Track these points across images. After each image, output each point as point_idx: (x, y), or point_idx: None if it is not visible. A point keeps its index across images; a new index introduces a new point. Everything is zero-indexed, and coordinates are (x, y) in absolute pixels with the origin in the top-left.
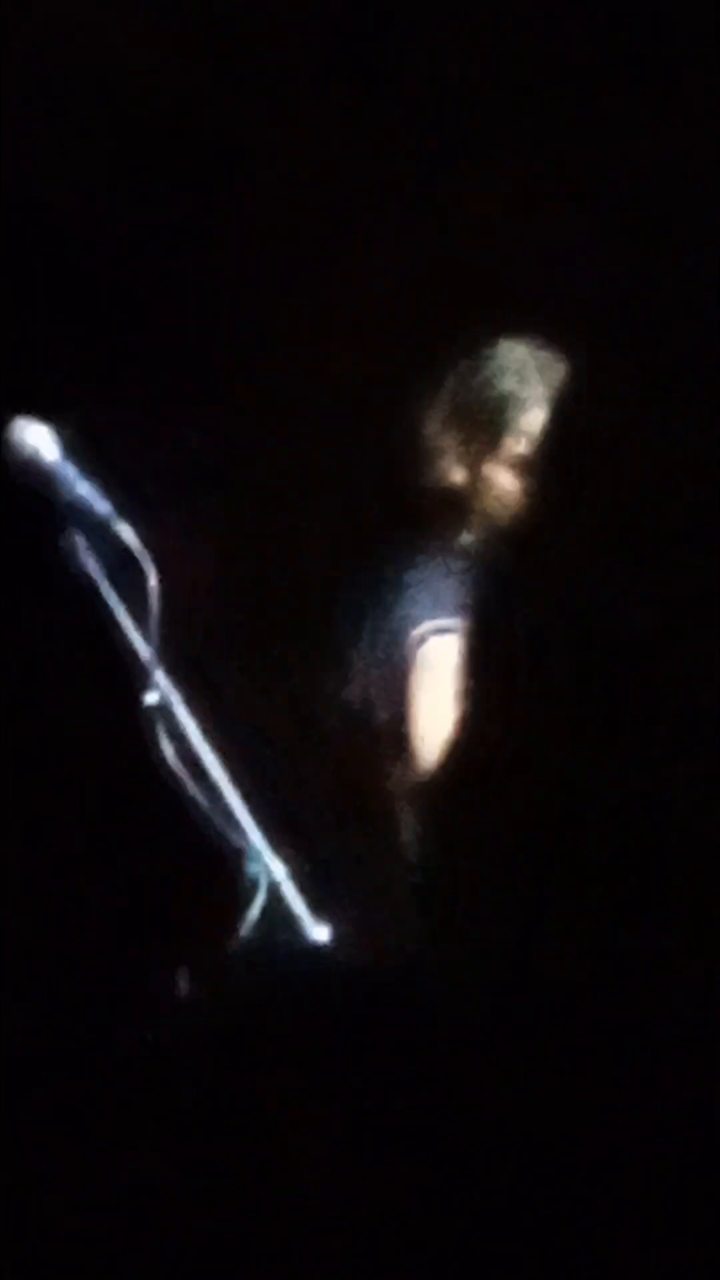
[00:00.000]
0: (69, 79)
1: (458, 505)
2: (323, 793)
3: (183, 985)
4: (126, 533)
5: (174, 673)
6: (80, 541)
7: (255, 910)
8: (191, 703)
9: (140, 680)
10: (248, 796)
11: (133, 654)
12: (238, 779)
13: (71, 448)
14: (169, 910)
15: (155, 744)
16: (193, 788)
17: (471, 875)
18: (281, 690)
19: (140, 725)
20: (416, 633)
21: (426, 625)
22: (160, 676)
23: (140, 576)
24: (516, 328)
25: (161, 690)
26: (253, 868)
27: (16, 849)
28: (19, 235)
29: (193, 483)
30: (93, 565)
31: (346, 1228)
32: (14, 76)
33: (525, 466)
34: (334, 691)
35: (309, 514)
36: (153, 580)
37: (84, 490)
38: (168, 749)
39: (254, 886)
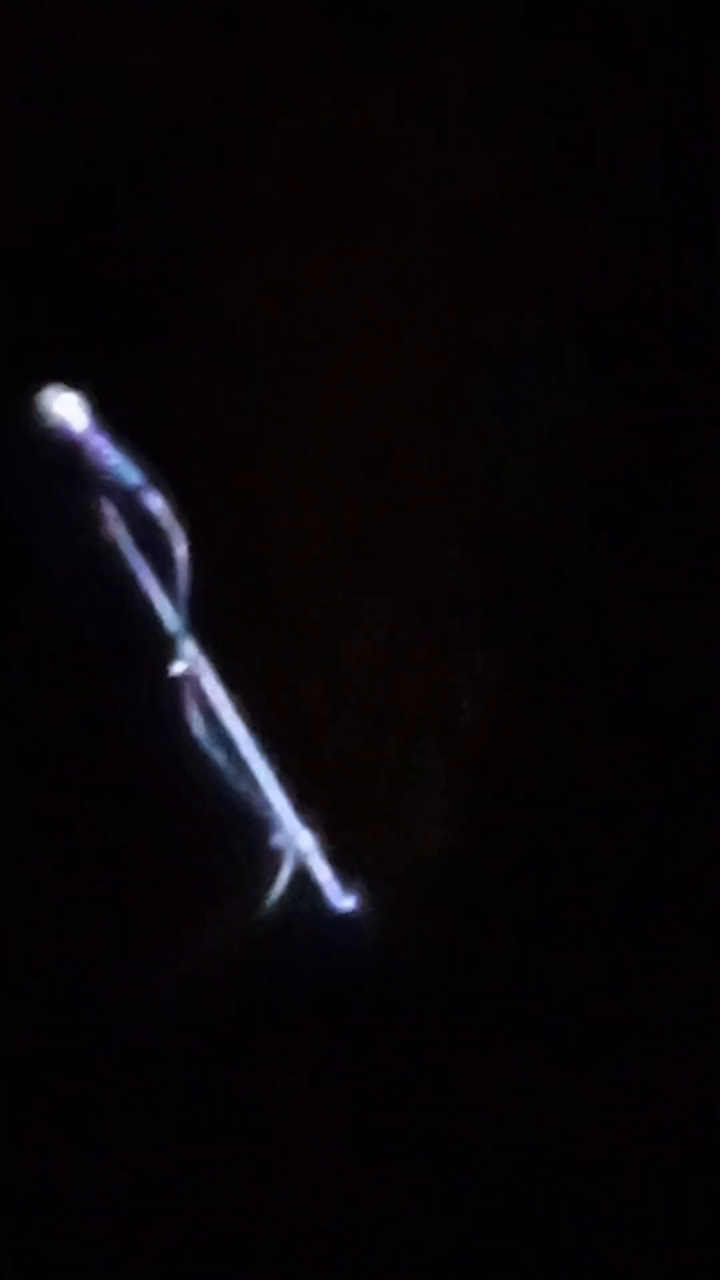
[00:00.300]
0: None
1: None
2: (350, 763)
3: (209, 955)
4: (155, 502)
5: (201, 642)
6: (109, 511)
7: (281, 881)
8: (219, 673)
9: (167, 650)
10: (275, 767)
11: (160, 624)
12: (265, 749)
13: (100, 417)
14: (195, 880)
15: (182, 714)
16: (219, 758)
17: (495, 847)
18: (310, 660)
19: (167, 695)
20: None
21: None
22: (188, 646)
23: (168, 546)
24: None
25: (189, 660)
26: (279, 838)
27: (43, 818)
28: (48, 207)
29: (221, 451)
30: (121, 534)
31: (362, 1194)
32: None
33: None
34: (362, 661)
35: (338, 483)
36: (181, 549)
37: (113, 459)
38: (195, 719)
39: (280, 857)
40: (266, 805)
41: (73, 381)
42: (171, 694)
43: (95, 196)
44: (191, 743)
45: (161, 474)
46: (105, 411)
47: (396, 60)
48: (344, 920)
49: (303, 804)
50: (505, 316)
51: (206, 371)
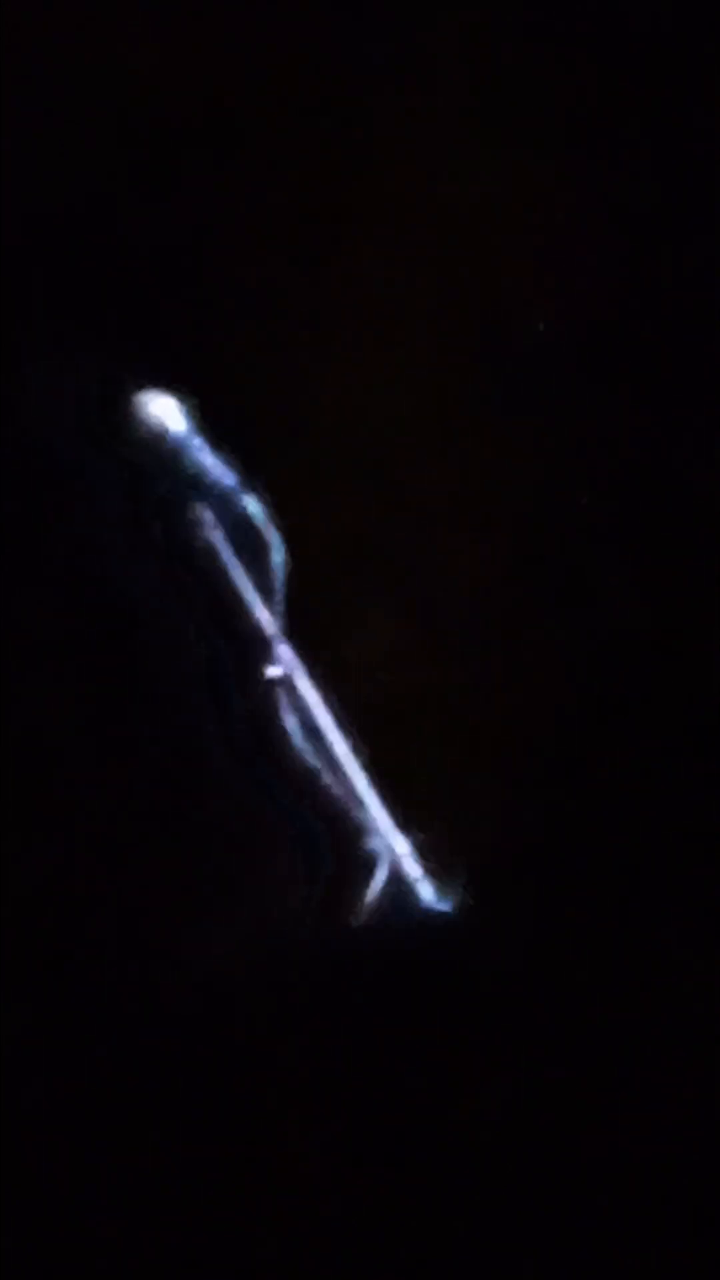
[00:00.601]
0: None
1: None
2: (445, 766)
3: (307, 957)
4: (252, 505)
5: (297, 645)
6: (206, 514)
7: (377, 883)
8: (314, 675)
9: (264, 652)
10: (370, 770)
11: (257, 626)
12: (359, 751)
13: (198, 420)
14: (291, 882)
15: (278, 717)
16: (315, 761)
17: (591, 850)
18: (405, 661)
19: (263, 698)
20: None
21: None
22: (284, 649)
23: (265, 549)
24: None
25: (285, 663)
26: (374, 841)
27: (142, 819)
28: (147, 218)
29: (319, 457)
30: (218, 537)
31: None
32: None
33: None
34: (461, 663)
35: (431, 488)
36: (278, 552)
37: (210, 463)
38: (290, 721)
39: (375, 859)
40: (362, 808)
41: (171, 385)
42: (267, 696)
43: (201, 206)
44: (287, 745)
45: (258, 477)
46: (203, 415)
47: (397, 60)
48: (438, 920)
49: (397, 806)
50: (514, 313)
51: (304, 375)
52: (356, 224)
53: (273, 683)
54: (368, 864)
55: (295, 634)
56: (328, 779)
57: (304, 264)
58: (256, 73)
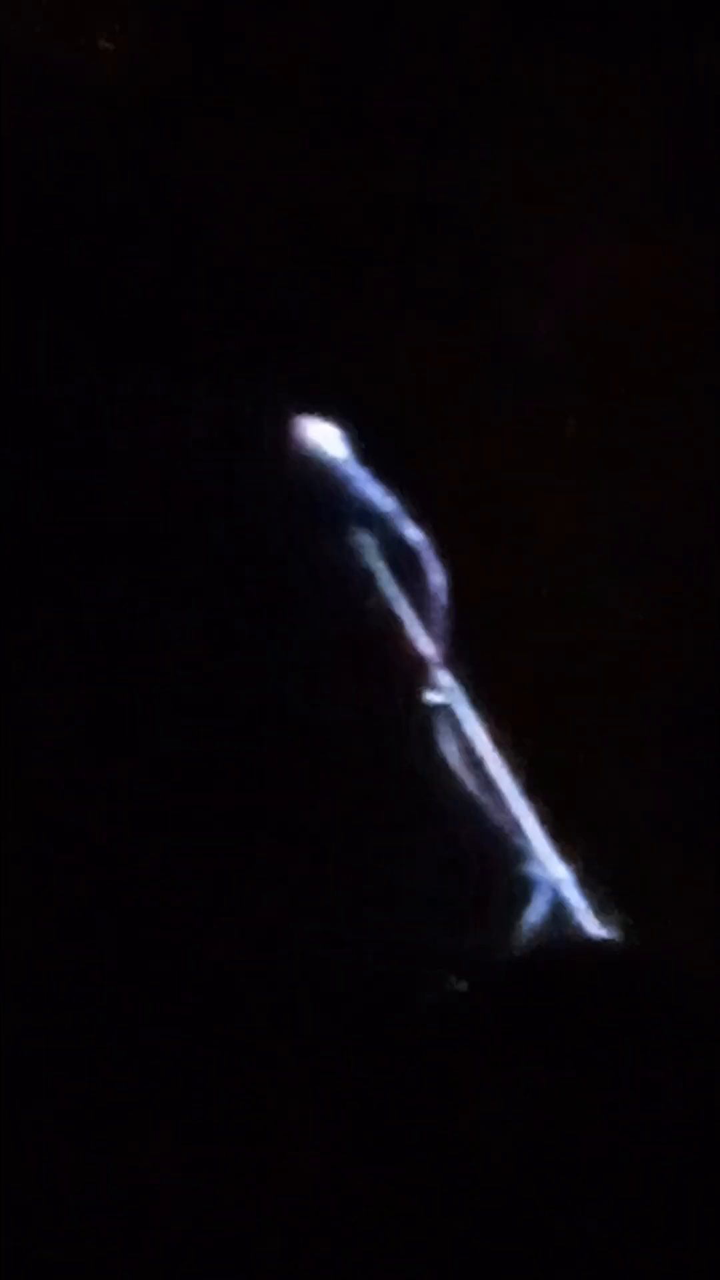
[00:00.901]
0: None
1: None
2: (608, 793)
3: (464, 986)
4: (413, 532)
5: (457, 672)
6: (366, 541)
7: (538, 910)
8: (474, 702)
9: (424, 679)
10: (530, 796)
11: (417, 653)
12: (519, 778)
13: (359, 448)
14: (450, 908)
15: (437, 743)
16: (475, 787)
17: None
18: (566, 690)
19: (422, 724)
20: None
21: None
22: (445, 676)
23: (426, 576)
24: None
25: (445, 689)
26: (534, 869)
27: (298, 846)
28: (304, 252)
29: (479, 482)
30: (378, 565)
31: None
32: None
33: None
34: (622, 691)
35: (602, 513)
36: (438, 580)
37: (371, 490)
38: (449, 748)
39: (535, 888)
40: (522, 834)
41: (331, 412)
42: (428, 723)
43: (361, 234)
44: (447, 772)
45: (420, 506)
46: (364, 443)
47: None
48: (600, 949)
49: (558, 832)
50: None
51: (465, 403)
52: (518, 274)
53: (433, 709)
54: (528, 891)
55: (455, 660)
56: (488, 805)
57: (470, 296)
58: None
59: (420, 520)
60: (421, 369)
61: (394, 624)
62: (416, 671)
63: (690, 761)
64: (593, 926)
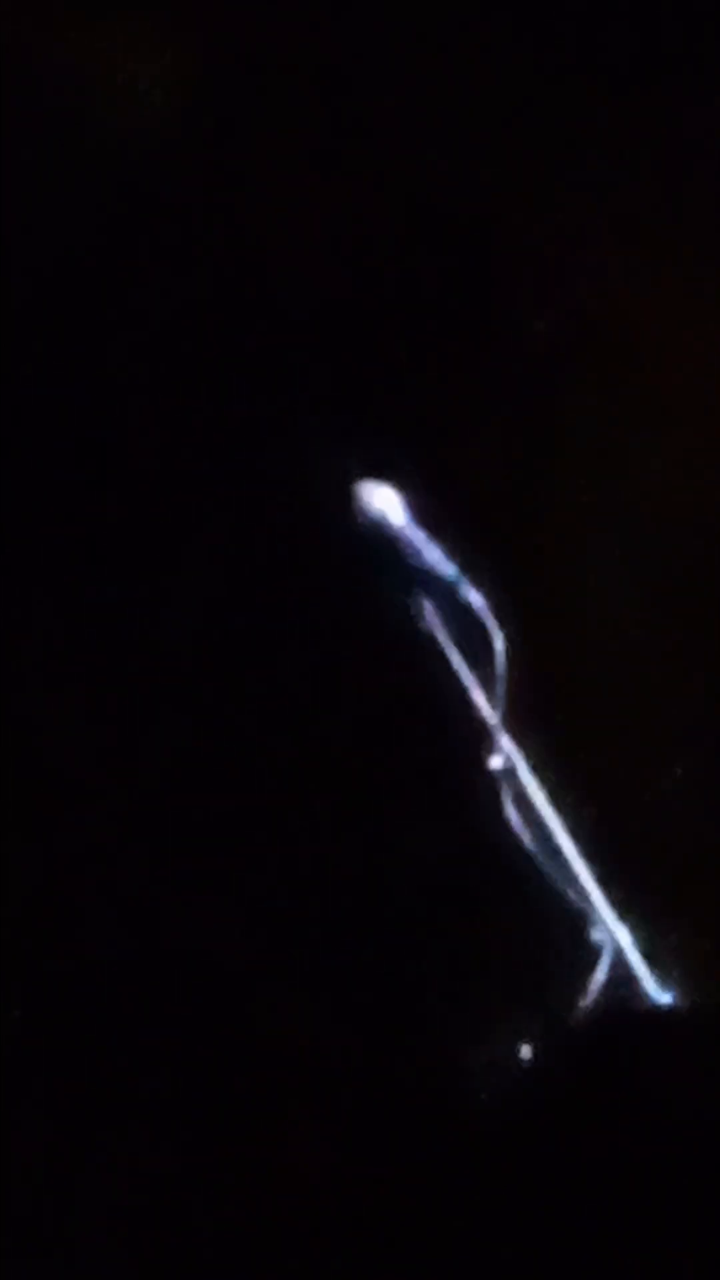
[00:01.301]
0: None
1: None
2: (667, 856)
3: (527, 1050)
4: (473, 596)
5: (519, 736)
6: (426, 604)
7: (600, 975)
8: (536, 766)
9: (485, 743)
10: (591, 861)
11: (478, 717)
12: (581, 843)
13: (418, 511)
14: (511, 974)
15: (500, 807)
16: (536, 851)
17: None
18: (626, 755)
19: (485, 788)
20: None
21: None
22: (505, 740)
23: (486, 639)
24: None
25: (506, 753)
26: (597, 932)
27: (365, 906)
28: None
29: (538, 545)
30: (438, 628)
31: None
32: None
33: None
34: (680, 755)
35: (656, 575)
36: (499, 643)
37: (430, 554)
38: (512, 812)
39: (598, 951)
40: (584, 898)
41: (391, 476)
42: (489, 787)
43: (416, 293)
44: (509, 836)
45: (479, 569)
46: (423, 506)
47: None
48: (663, 1015)
49: (620, 898)
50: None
51: (522, 466)
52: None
53: (495, 773)
54: (591, 956)
55: (516, 724)
56: (550, 869)
57: (531, 361)
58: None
59: (480, 584)
60: (481, 434)
61: (455, 688)
62: (478, 736)
63: None
64: (653, 990)
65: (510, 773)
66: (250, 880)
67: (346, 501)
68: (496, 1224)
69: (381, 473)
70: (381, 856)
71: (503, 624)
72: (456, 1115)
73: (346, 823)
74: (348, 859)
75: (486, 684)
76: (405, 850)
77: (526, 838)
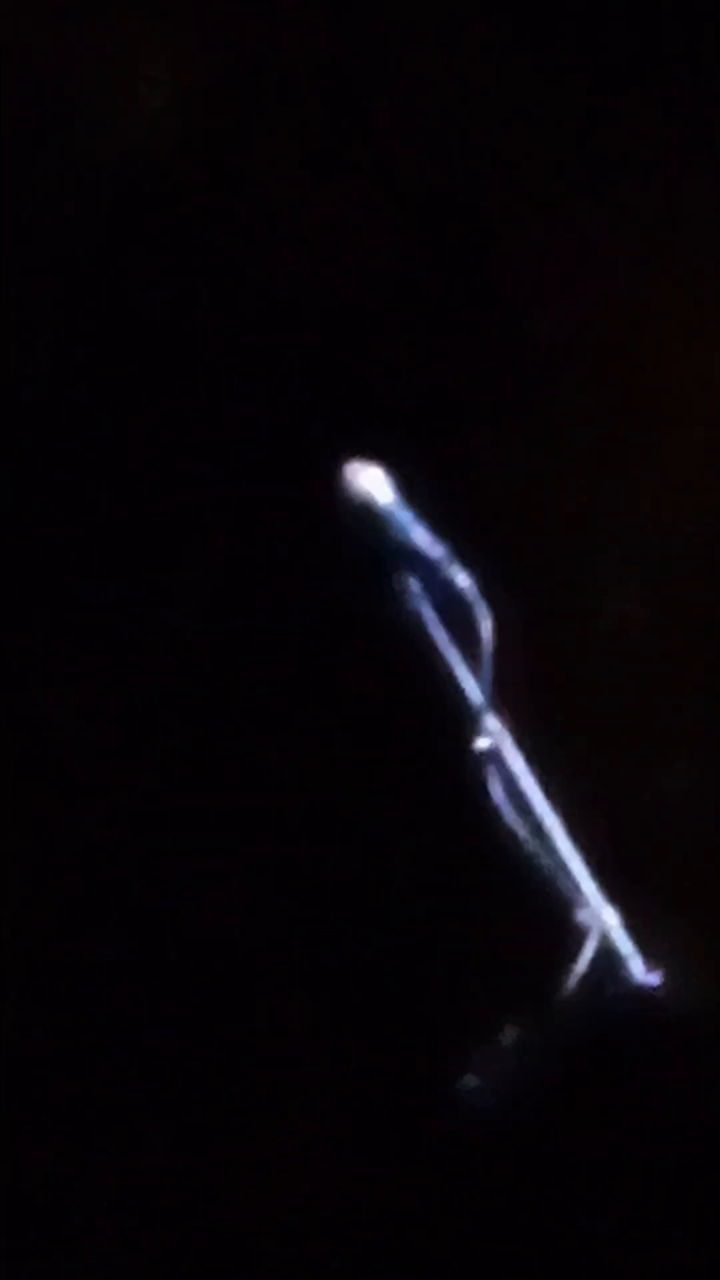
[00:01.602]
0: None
1: None
2: (655, 838)
3: (513, 1032)
4: (461, 577)
5: (506, 717)
6: (413, 584)
7: (585, 957)
8: (522, 748)
9: (470, 725)
10: (578, 842)
11: (463, 698)
12: (568, 825)
13: (405, 491)
14: (497, 956)
15: (485, 788)
16: (523, 833)
17: None
18: (613, 733)
19: (471, 769)
20: None
21: None
22: (491, 721)
23: (473, 621)
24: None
25: (492, 735)
26: (583, 914)
27: (348, 885)
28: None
29: (524, 523)
30: (425, 609)
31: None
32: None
33: None
34: (670, 735)
35: (653, 557)
36: (486, 624)
37: (417, 534)
38: (498, 793)
39: (585, 932)
40: (570, 880)
41: (378, 455)
42: (474, 769)
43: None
44: (495, 817)
45: (466, 549)
46: (410, 486)
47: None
48: (648, 997)
49: (607, 879)
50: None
51: (510, 445)
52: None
53: (481, 754)
54: (577, 937)
55: (504, 705)
56: (537, 850)
57: (529, 351)
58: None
59: (467, 564)
60: (475, 418)
61: (441, 669)
62: (464, 717)
63: None
64: (640, 971)
65: (496, 754)
66: (240, 860)
67: (334, 480)
68: (492, 1210)
69: (370, 453)
70: (369, 838)
71: (491, 605)
72: (448, 1100)
73: (333, 805)
74: (335, 841)
75: (474, 665)
76: (392, 832)
77: (512, 819)
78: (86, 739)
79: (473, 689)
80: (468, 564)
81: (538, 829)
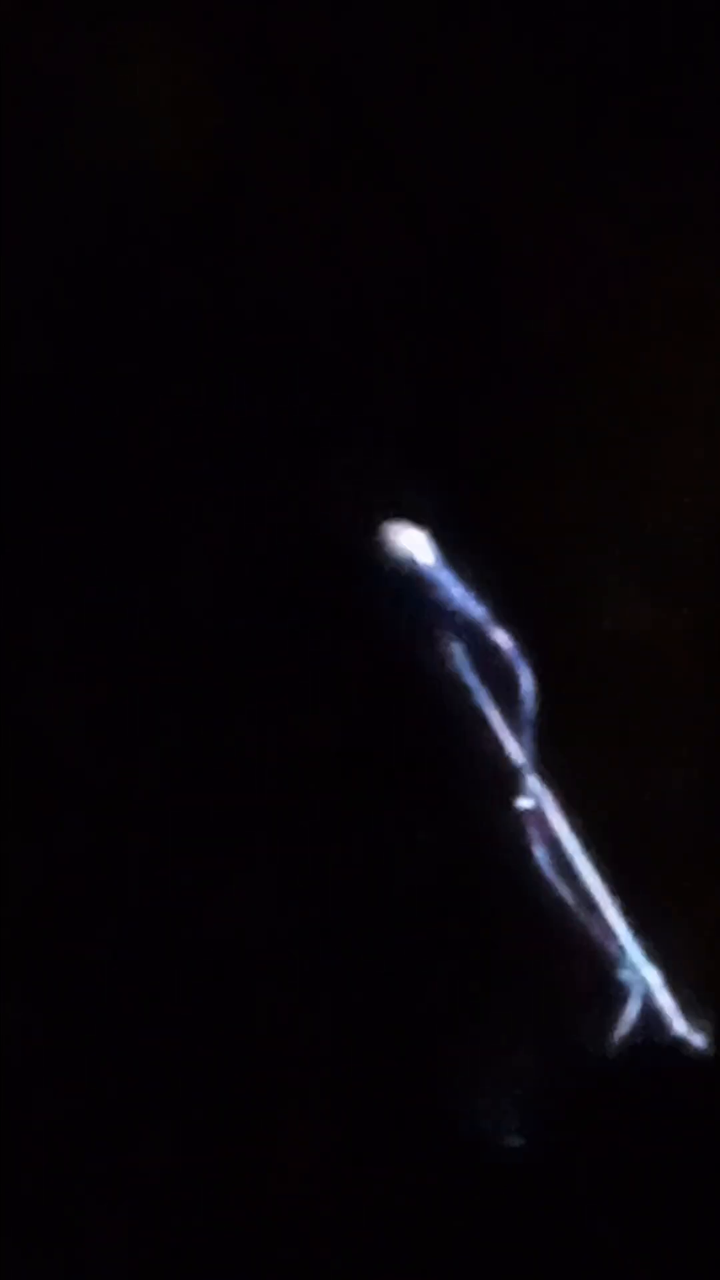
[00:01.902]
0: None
1: None
2: (696, 897)
3: (559, 1086)
4: (502, 637)
5: (547, 777)
6: (455, 646)
7: (629, 1015)
8: (564, 808)
9: (513, 785)
10: (619, 899)
11: (506, 759)
12: (610, 884)
13: (446, 553)
14: (544, 1014)
15: (528, 849)
16: (566, 892)
17: None
18: (653, 793)
19: (513, 830)
20: None
21: None
22: (533, 781)
23: (514, 681)
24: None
25: (534, 795)
26: (626, 973)
27: (398, 948)
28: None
29: (565, 587)
30: (466, 670)
31: None
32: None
33: None
34: (710, 794)
35: (689, 620)
36: (527, 684)
37: (458, 595)
38: (540, 854)
39: (627, 992)
40: (612, 938)
41: (420, 517)
42: (517, 829)
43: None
44: (538, 877)
45: (508, 610)
46: (452, 548)
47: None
48: (692, 1055)
49: (649, 938)
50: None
51: (550, 507)
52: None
53: (523, 814)
54: (620, 997)
55: (546, 766)
56: (579, 910)
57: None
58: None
59: (508, 625)
60: (509, 472)
61: (483, 729)
62: (506, 777)
63: None
64: (683, 1030)
65: (538, 814)
66: (272, 919)
67: (375, 542)
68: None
69: (410, 514)
70: (410, 899)
71: (531, 665)
72: (478, 1158)
73: (376, 866)
74: (376, 900)
75: (514, 725)
76: (435, 892)
77: (555, 879)
78: (87, 739)
79: (514, 749)
80: (509, 625)
81: (580, 888)
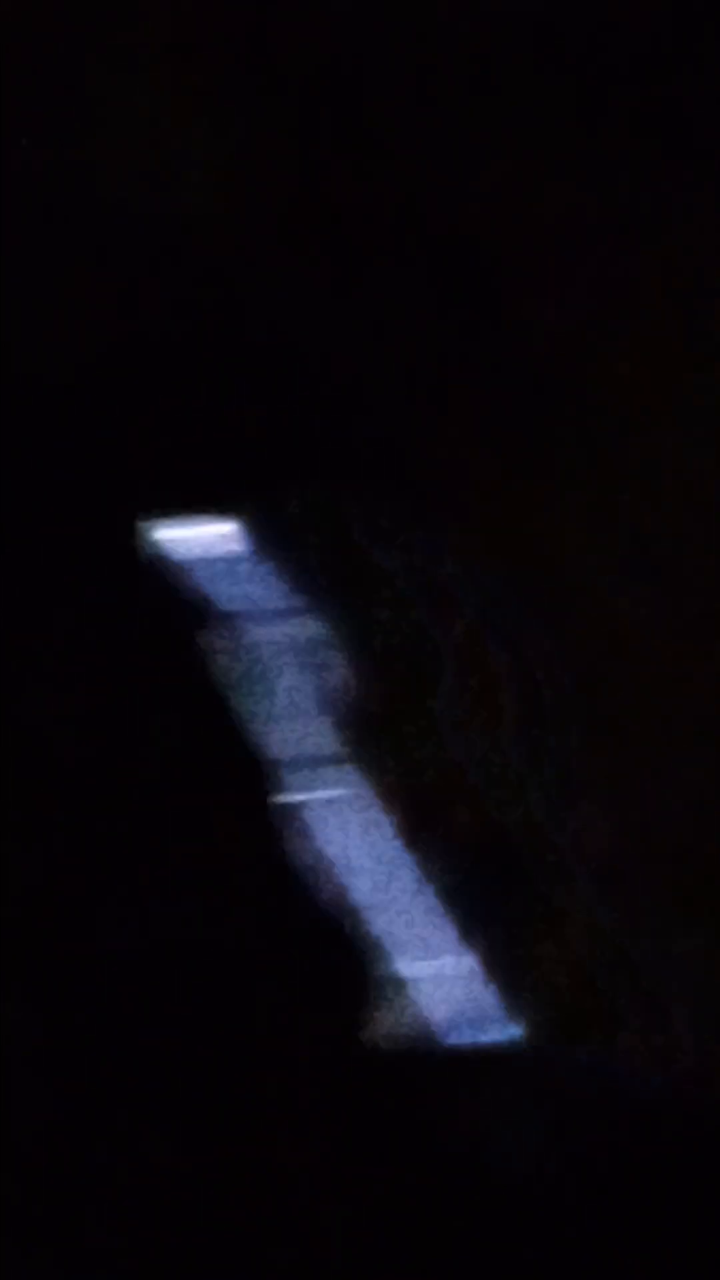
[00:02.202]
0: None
1: None
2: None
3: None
4: (312, 627)
5: (360, 764)
6: (260, 635)
7: (438, 1005)
8: (374, 796)
9: (318, 774)
10: (432, 888)
11: (313, 748)
12: (422, 870)
13: (255, 542)
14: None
15: (290, 843)
16: (371, 879)
17: None
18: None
19: (275, 823)
20: None
21: None
22: (342, 771)
23: (327, 670)
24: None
25: (342, 784)
26: (439, 964)
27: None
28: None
29: (365, 577)
30: (275, 658)
31: None
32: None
33: None
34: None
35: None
36: (338, 674)
37: (269, 584)
38: (311, 848)
39: (437, 981)
40: (421, 924)
41: (226, 508)
42: (328, 815)
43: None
44: (341, 865)
45: (317, 598)
46: (261, 537)
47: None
48: (508, 1043)
49: (459, 923)
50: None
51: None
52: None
53: (331, 803)
54: (427, 984)
55: (356, 755)
56: (382, 902)
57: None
58: None
59: (322, 615)
60: (322, 460)
61: (290, 719)
62: (310, 767)
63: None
64: (498, 1020)
65: (351, 802)
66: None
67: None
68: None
69: (220, 505)
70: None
71: (343, 654)
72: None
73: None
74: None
75: (325, 715)
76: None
77: (360, 868)
78: (87, 739)
79: (323, 738)
80: (318, 613)
81: (387, 876)
